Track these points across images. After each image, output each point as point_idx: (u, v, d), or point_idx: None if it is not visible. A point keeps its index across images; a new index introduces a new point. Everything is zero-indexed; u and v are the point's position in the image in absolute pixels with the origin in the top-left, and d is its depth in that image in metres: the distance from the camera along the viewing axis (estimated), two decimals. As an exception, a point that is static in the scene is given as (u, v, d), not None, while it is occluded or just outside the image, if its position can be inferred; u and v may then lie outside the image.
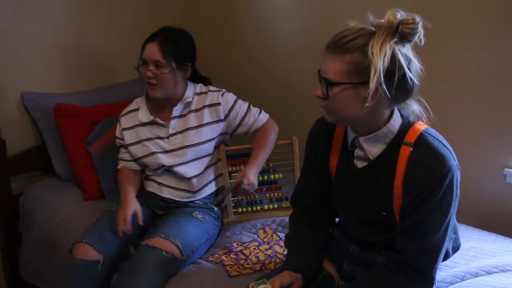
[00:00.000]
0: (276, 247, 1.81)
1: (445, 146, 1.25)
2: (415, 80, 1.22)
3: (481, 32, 1.82)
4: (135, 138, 1.96)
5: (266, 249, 1.81)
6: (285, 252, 1.64)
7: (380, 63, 1.15)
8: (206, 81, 2.07)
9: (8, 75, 2.29)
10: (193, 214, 1.88)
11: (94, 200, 2.20)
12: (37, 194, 2.28)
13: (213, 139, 1.96)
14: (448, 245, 1.38)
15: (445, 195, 1.22)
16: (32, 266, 2.20)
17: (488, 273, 1.56)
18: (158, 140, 1.93)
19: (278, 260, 1.74)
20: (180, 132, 1.93)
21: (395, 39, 1.18)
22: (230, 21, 2.72)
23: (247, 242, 1.86)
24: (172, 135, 1.93)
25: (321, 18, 2.28)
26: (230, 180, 2.03)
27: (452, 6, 1.87)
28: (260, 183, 2.08)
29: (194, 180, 1.94)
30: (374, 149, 1.31)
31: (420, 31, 1.19)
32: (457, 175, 1.24)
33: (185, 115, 1.94)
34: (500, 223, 1.91)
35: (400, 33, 1.18)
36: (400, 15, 1.19)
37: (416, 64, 1.22)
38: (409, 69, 1.20)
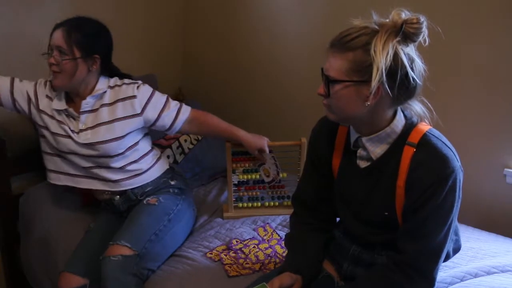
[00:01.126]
0: (277, 247, 1.81)
1: (449, 147, 1.25)
2: (417, 80, 1.21)
3: (481, 32, 1.82)
4: (49, 111, 1.83)
5: (266, 248, 1.81)
6: (285, 253, 1.64)
7: (382, 61, 1.15)
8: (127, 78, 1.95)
9: (7, 75, 2.29)
10: (145, 202, 1.85)
11: (94, 203, 2.19)
12: (37, 197, 2.27)
13: (127, 134, 1.84)
14: (449, 246, 1.37)
15: (447, 196, 1.22)
16: (30, 267, 2.19)
17: (488, 273, 1.56)
18: (67, 128, 1.82)
19: (277, 260, 1.74)
20: (91, 128, 1.81)
21: (398, 38, 1.18)
22: (233, 22, 2.71)
23: (247, 240, 1.86)
24: (82, 130, 1.81)
25: (328, 18, 2.28)
26: (233, 175, 2.05)
27: (453, 6, 1.87)
28: (263, 181, 2.10)
29: (110, 176, 1.86)
30: (377, 149, 1.31)
31: (424, 31, 1.19)
32: (460, 176, 1.24)
33: (97, 109, 1.82)
34: (500, 223, 1.91)
35: (404, 32, 1.18)
36: (405, 14, 1.19)
37: (419, 64, 1.22)
38: (411, 69, 1.19)
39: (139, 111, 1.84)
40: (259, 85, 2.65)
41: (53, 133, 1.84)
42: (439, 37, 1.90)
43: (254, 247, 1.82)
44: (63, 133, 1.82)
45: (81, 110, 1.81)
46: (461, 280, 1.53)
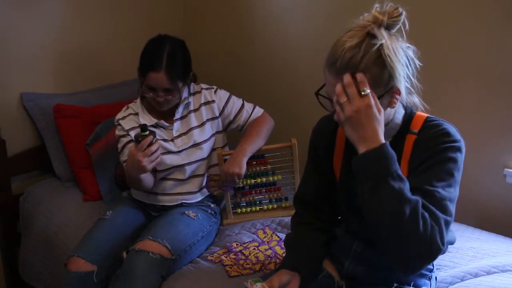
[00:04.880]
0: (277, 248, 1.81)
1: (451, 125, 1.26)
2: (419, 63, 1.24)
3: (481, 31, 1.82)
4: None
5: (266, 250, 1.81)
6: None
7: (402, 68, 1.18)
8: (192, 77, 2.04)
9: (8, 75, 2.29)
10: (185, 212, 1.88)
11: (94, 201, 2.20)
12: (37, 195, 2.28)
13: (214, 135, 1.99)
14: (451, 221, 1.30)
15: (450, 158, 1.19)
16: (30, 267, 2.20)
17: (488, 273, 1.56)
18: (163, 142, 1.92)
19: (278, 261, 1.74)
20: (185, 133, 1.95)
21: (401, 40, 1.20)
22: (229, 22, 2.71)
23: (247, 242, 1.87)
24: (177, 137, 1.94)
25: (324, 18, 2.28)
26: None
27: (455, 5, 1.87)
28: (259, 185, 2.09)
29: (199, 180, 1.97)
30: None
31: (403, 17, 1.20)
32: (463, 149, 1.23)
33: (186, 116, 1.96)
34: (500, 223, 1.91)
35: (390, 27, 1.19)
36: (380, 9, 1.20)
37: (412, 47, 1.24)
38: (415, 56, 1.23)
39: (217, 114, 1.99)
40: (260, 86, 2.65)
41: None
42: (440, 37, 1.91)
43: (254, 248, 1.82)
44: (161, 151, 1.86)
45: (174, 118, 1.94)
46: (462, 280, 1.53)
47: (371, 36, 1.17)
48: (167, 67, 1.80)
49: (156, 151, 1.66)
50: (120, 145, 1.95)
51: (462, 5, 1.85)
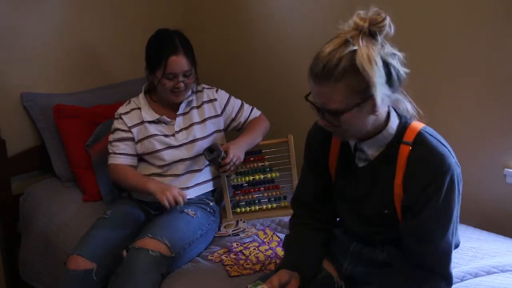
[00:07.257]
0: (278, 249, 1.81)
1: (443, 145, 1.27)
2: (406, 70, 1.23)
3: (481, 31, 1.82)
4: (143, 134, 1.96)
5: (266, 250, 1.81)
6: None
7: (377, 77, 1.16)
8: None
9: (8, 75, 2.29)
10: (185, 211, 1.89)
11: (94, 202, 2.20)
12: (37, 195, 2.28)
13: (214, 132, 2.03)
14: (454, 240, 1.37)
15: (448, 195, 1.23)
16: (30, 267, 2.20)
17: (488, 273, 1.56)
18: (164, 138, 1.95)
19: (278, 261, 1.74)
20: (186, 128, 1.98)
21: (379, 46, 1.18)
22: (229, 21, 2.72)
23: (247, 243, 1.87)
24: (178, 132, 1.97)
25: (323, 19, 2.28)
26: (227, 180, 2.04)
27: (455, 5, 1.87)
28: (257, 183, 2.10)
29: (196, 175, 1.98)
30: (375, 152, 1.32)
31: (388, 22, 1.19)
32: (458, 171, 1.25)
33: (188, 112, 2.00)
34: (500, 223, 1.91)
35: (373, 33, 1.18)
36: (362, 15, 1.19)
37: (399, 55, 1.23)
38: (399, 63, 1.22)
39: (219, 112, 2.05)
40: (260, 85, 2.65)
41: (153, 152, 1.94)
42: (440, 36, 1.91)
43: (254, 249, 1.82)
44: (162, 147, 1.94)
45: (177, 113, 1.99)
46: (461, 280, 1.53)
47: (347, 42, 1.17)
48: (183, 49, 1.90)
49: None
50: (115, 136, 1.96)
51: (463, 5, 1.85)
